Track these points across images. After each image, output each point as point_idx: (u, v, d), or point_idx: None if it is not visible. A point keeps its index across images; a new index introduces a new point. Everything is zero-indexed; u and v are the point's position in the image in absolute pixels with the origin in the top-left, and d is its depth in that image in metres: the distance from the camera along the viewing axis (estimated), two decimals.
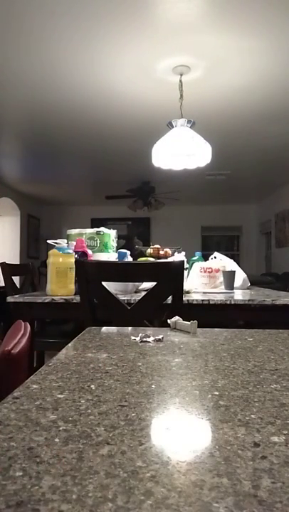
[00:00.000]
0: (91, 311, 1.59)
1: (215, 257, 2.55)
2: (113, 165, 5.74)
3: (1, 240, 7.53)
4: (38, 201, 8.48)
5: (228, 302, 1.77)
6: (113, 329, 0.97)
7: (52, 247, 1.96)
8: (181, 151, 2.73)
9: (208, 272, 2.38)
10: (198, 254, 2.71)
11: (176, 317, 0.97)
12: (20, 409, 0.42)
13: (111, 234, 2.38)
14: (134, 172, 6.07)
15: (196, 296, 1.88)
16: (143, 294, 1.68)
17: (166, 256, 2.75)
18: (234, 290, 2.27)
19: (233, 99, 3.54)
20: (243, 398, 0.46)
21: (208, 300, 1.78)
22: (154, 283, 1.57)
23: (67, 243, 2.06)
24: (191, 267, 2.52)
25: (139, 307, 1.54)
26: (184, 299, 1.66)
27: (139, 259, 2.59)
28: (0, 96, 3.48)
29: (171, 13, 2.35)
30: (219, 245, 8.91)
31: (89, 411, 0.42)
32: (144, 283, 2.05)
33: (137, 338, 0.82)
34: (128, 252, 2.33)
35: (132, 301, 1.68)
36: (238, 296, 1.94)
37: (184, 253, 2.70)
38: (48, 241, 2.12)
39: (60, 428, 0.37)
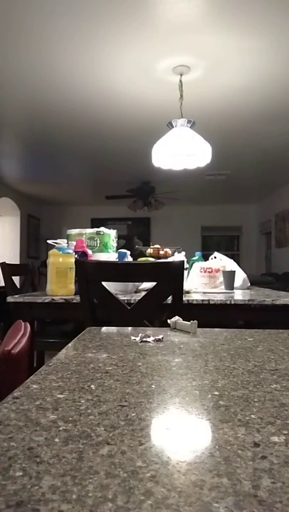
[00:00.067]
0: (91, 311, 1.59)
1: (215, 257, 2.55)
2: (113, 165, 5.74)
3: (1, 239, 7.53)
4: (38, 201, 8.49)
5: (228, 302, 1.77)
6: (113, 329, 0.97)
7: (52, 247, 1.96)
8: (181, 151, 2.73)
9: (208, 271, 2.38)
10: (198, 254, 2.71)
11: (176, 317, 0.97)
12: (20, 409, 0.42)
13: (111, 234, 2.38)
14: (134, 172, 6.07)
15: (196, 296, 1.88)
16: (143, 294, 1.68)
17: (166, 256, 2.75)
18: (234, 290, 2.27)
19: (233, 99, 3.54)
20: (243, 398, 0.46)
21: (208, 300, 1.78)
22: (154, 283, 1.57)
23: (67, 243, 2.06)
24: (191, 267, 2.52)
25: (139, 307, 1.54)
26: (184, 299, 1.66)
27: (139, 259, 2.59)
28: (0, 96, 3.48)
29: (171, 13, 2.35)
30: (219, 245, 8.91)
31: (89, 411, 0.42)
32: (144, 283, 2.05)
33: (137, 338, 0.82)
34: (128, 252, 2.33)
35: (132, 301, 1.68)
36: (238, 296, 1.94)
37: (184, 253, 2.70)
38: (48, 241, 2.12)
39: (60, 428, 0.37)
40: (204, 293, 2.10)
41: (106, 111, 3.82)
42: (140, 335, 0.83)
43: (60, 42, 2.65)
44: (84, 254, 2.07)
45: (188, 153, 2.73)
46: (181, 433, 0.37)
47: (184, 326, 0.94)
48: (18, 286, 2.75)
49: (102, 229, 2.33)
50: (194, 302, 1.78)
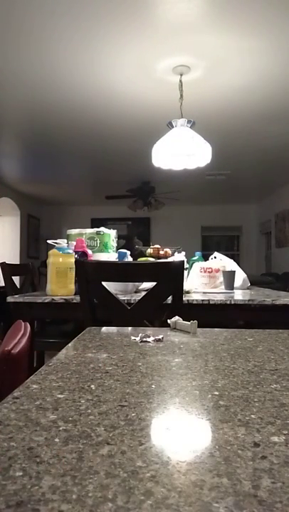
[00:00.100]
0: (91, 311, 1.59)
1: (215, 257, 2.55)
2: (113, 165, 5.74)
3: (1, 239, 7.53)
4: (38, 201, 8.49)
5: (228, 302, 1.77)
6: (113, 329, 0.97)
7: (52, 247, 1.96)
8: (181, 151, 2.73)
9: (208, 271, 2.38)
10: (198, 254, 2.71)
11: (176, 317, 0.97)
12: (20, 409, 0.42)
13: (111, 234, 2.38)
14: (134, 172, 6.07)
15: (196, 296, 1.88)
16: (143, 294, 1.68)
17: (166, 256, 2.75)
18: (234, 290, 2.27)
19: (233, 99, 3.54)
20: (243, 398, 0.46)
21: (208, 300, 1.78)
22: (154, 283, 1.57)
23: (67, 243, 2.06)
24: (191, 267, 2.52)
25: (139, 307, 1.54)
26: (184, 299, 1.66)
27: (139, 259, 2.59)
28: (0, 96, 3.48)
29: (171, 13, 2.35)
30: (219, 245, 8.91)
31: (89, 411, 0.42)
32: (144, 283, 2.05)
33: (137, 338, 0.82)
34: (128, 252, 2.33)
35: (132, 301, 1.68)
36: (238, 296, 1.94)
37: (184, 253, 2.70)
38: (48, 241, 2.12)
39: (60, 428, 0.37)
40: (204, 293, 2.10)
41: (106, 111, 3.82)
42: (140, 335, 0.83)
43: (60, 42, 2.65)
44: (84, 254, 2.07)
45: (188, 153, 2.73)
46: (181, 433, 0.37)
47: (184, 326, 0.94)
48: (18, 286, 2.75)
49: (102, 229, 2.33)
50: (194, 302, 1.78)
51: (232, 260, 2.49)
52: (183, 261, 1.58)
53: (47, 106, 3.70)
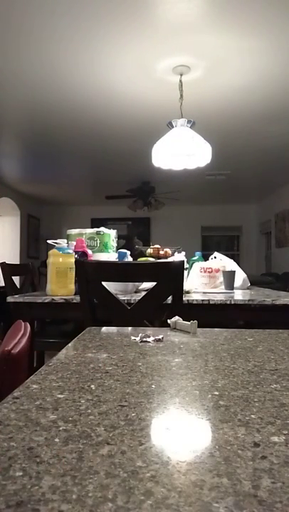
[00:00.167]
0: (91, 311, 1.59)
1: (215, 257, 2.55)
2: (113, 165, 5.74)
3: (1, 239, 7.53)
4: (38, 201, 8.49)
5: (228, 302, 1.77)
6: (113, 329, 0.97)
7: (52, 247, 1.96)
8: (181, 151, 2.73)
9: (208, 271, 2.38)
10: (198, 254, 2.71)
11: (176, 317, 0.97)
12: (20, 409, 0.42)
13: (111, 234, 2.38)
14: (134, 172, 6.07)
15: (196, 296, 1.88)
16: (143, 294, 1.68)
17: (166, 256, 2.75)
18: (234, 290, 2.27)
19: (233, 99, 3.54)
20: (243, 398, 0.46)
21: (208, 300, 1.78)
22: (154, 283, 1.57)
23: (67, 243, 2.06)
24: (191, 267, 2.52)
25: (139, 307, 1.54)
26: (184, 299, 1.66)
27: (139, 259, 2.59)
28: (0, 96, 3.48)
29: (171, 13, 2.35)
30: (219, 245, 8.91)
31: (89, 411, 0.42)
32: (144, 283, 2.05)
33: (137, 338, 0.82)
34: (128, 252, 2.33)
35: (132, 301, 1.68)
36: (238, 296, 1.94)
37: (184, 253, 2.70)
38: (48, 241, 2.12)
39: (60, 428, 0.37)
40: (204, 293, 2.10)
41: (106, 111, 3.82)
42: (140, 335, 0.83)
43: (60, 42, 2.65)
44: (84, 254, 2.07)
45: (188, 153, 2.73)
46: (181, 433, 0.37)
47: (184, 326, 0.94)
48: (18, 286, 2.75)
49: (102, 229, 2.33)
50: (194, 302, 1.78)
51: (232, 260, 2.49)
52: (183, 261, 1.58)
53: (47, 106, 3.70)
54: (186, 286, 1.95)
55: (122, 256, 2.29)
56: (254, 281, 3.55)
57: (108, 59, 2.87)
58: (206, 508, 0.25)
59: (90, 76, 3.12)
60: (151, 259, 2.57)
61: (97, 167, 5.94)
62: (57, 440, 0.35)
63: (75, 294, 1.90)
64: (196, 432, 0.38)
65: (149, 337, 0.82)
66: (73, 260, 1.90)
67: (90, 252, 2.14)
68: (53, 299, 1.82)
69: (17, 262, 7.33)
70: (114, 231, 2.45)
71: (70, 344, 0.77)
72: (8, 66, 2.96)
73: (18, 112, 3.85)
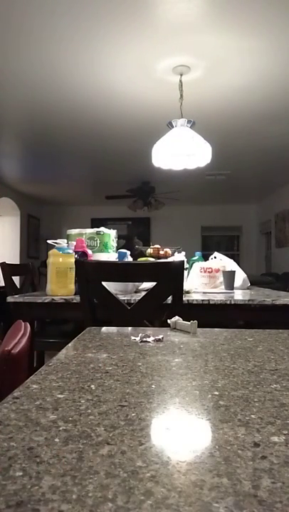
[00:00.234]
0: (91, 311, 1.59)
1: (215, 257, 2.55)
2: (113, 165, 5.74)
3: (1, 239, 7.53)
4: (38, 201, 8.49)
5: (228, 302, 1.77)
6: (113, 329, 0.97)
7: (52, 247, 1.96)
8: (181, 151, 2.73)
9: (208, 271, 2.38)
10: (198, 254, 2.71)
11: (176, 317, 0.97)
12: (20, 409, 0.42)
13: (111, 234, 2.38)
14: (134, 172, 6.07)
15: (196, 296, 1.88)
16: (143, 294, 1.68)
17: (166, 256, 2.75)
18: (234, 290, 2.27)
19: (233, 99, 3.54)
20: (243, 398, 0.46)
21: (208, 300, 1.78)
22: (154, 283, 1.57)
23: (67, 243, 2.06)
24: (191, 267, 2.52)
25: (139, 307, 1.54)
26: (184, 299, 1.66)
27: (139, 259, 2.59)
28: (0, 96, 3.48)
29: (171, 13, 2.35)
30: (219, 245, 8.91)
31: (89, 411, 0.42)
32: (144, 283, 2.05)
33: (137, 338, 0.82)
34: (128, 252, 2.33)
35: (132, 301, 1.68)
36: (238, 296, 1.94)
37: (184, 253, 2.70)
38: (48, 241, 2.12)
39: (60, 428, 0.37)
40: (204, 293, 2.10)
41: (106, 111, 3.82)
42: (140, 335, 0.83)
43: (60, 42, 2.65)
44: (84, 254, 2.07)
45: (188, 153, 2.73)
46: (181, 433, 0.37)
47: (184, 326, 0.94)
48: (18, 286, 2.75)
49: (102, 229, 2.33)
50: (194, 302, 1.78)
51: (232, 260, 2.49)
52: (183, 261, 1.58)
53: (47, 106, 3.70)
54: (186, 286, 1.95)
55: (122, 256, 2.29)
56: (254, 281, 3.55)
57: (108, 59, 2.87)
58: (206, 508, 0.25)
59: (90, 76, 3.12)
60: (151, 259, 2.57)
61: (97, 167, 5.94)
62: (57, 440, 0.35)
63: (75, 294, 1.90)
64: (196, 432, 0.38)
65: (149, 337, 0.82)
66: (73, 260, 1.90)
67: (90, 252, 2.14)
68: (53, 299, 1.82)
69: (17, 262, 7.33)
70: (114, 231, 2.45)
71: (70, 344, 0.77)
72: (8, 66, 2.96)
73: (18, 112, 3.85)
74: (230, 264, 2.43)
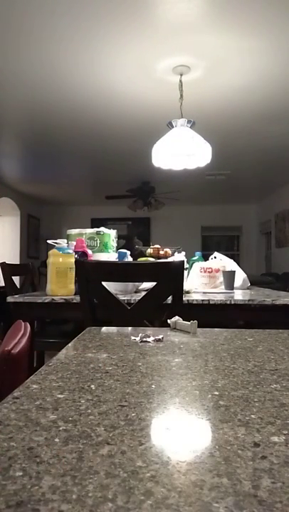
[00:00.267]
0: (91, 311, 1.59)
1: (215, 257, 2.55)
2: (113, 165, 5.74)
3: (1, 239, 7.53)
4: (38, 201, 8.49)
5: (228, 302, 1.77)
6: (113, 329, 0.97)
7: (52, 247, 1.96)
8: (181, 151, 2.73)
9: (208, 271, 2.38)
10: (198, 254, 2.71)
11: (176, 317, 0.97)
12: (20, 409, 0.42)
13: (111, 234, 2.38)
14: (134, 172, 6.07)
15: (196, 296, 1.88)
16: (143, 294, 1.68)
17: (166, 256, 2.75)
18: (234, 290, 2.27)
19: (233, 99, 3.54)
20: (243, 398, 0.46)
21: (208, 300, 1.78)
22: (154, 283, 1.57)
23: (67, 243, 2.06)
24: (191, 267, 2.52)
25: (139, 307, 1.54)
26: (184, 299, 1.66)
27: (139, 259, 2.59)
28: (0, 96, 3.48)
29: (171, 13, 2.35)
30: (219, 245, 8.91)
31: (89, 411, 0.42)
32: (144, 283, 2.05)
33: (137, 338, 0.82)
34: (128, 252, 2.33)
35: (132, 301, 1.68)
36: (238, 296, 1.94)
37: (184, 253, 2.70)
38: (48, 241, 2.12)
39: (60, 428, 0.37)
40: (204, 293, 2.10)
41: (106, 111, 3.82)
42: (140, 335, 0.83)
43: (60, 42, 2.65)
44: (84, 254, 2.07)
45: (188, 153, 2.73)
46: (181, 433, 0.37)
47: (184, 326, 0.94)
48: (18, 286, 2.75)
49: (102, 229, 2.33)
50: (194, 302, 1.78)
51: (232, 260, 2.49)
52: (183, 261, 1.58)
53: (47, 106, 3.70)
54: (186, 286, 1.95)
55: (122, 256, 2.29)
56: (254, 281, 3.55)
57: (108, 59, 2.87)
58: (206, 508, 0.25)
59: (90, 76, 3.12)
60: (151, 259, 2.57)
61: (97, 167, 5.94)
62: (57, 440, 0.35)
63: (75, 294, 1.90)
64: (196, 432, 0.38)
65: (149, 337, 0.82)
66: (73, 260, 1.90)
67: (90, 252, 2.14)
68: (53, 299, 1.82)
69: (17, 262, 7.33)
70: (114, 231, 2.45)
71: (70, 344, 0.77)
72: (8, 66, 2.96)
73: (18, 112, 3.85)
74: (230, 264, 2.43)
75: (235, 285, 2.29)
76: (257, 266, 8.62)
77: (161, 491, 0.27)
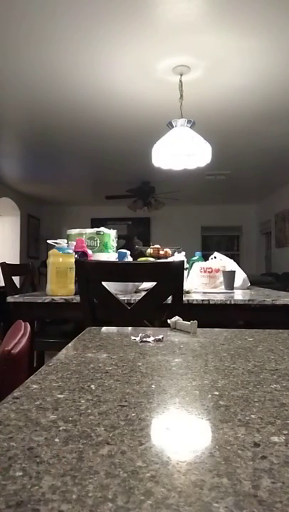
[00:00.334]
0: (91, 311, 1.59)
1: (215, 257, 2.55)
2: (113, 165, 5.74)
3: (1, 239, 7.53)
4: (38, 201, 8.49)
5: (228, 302, 1.77)
6: (113, 329, 0.97)
7: (52, 247, 1.96)
8: (181, 151, 2.73)
9: (208, 271, 2.38)
10: (198, 254, 2.71)
11: (176, 317, 0.97)
12: (20, 409, 0.42)
13: (111, 234, 2.38)
14: (134, 172, 6.07)
15: (196, 296, 1.88)
16: (143, 294, 1.68)
17: (166, 256, 2.75)
18: (234, 290, 2.27)
19: (233, 99, 3.54)
20: (243, 398, 0.46)
21: (208, 300, 1.78)
22: (154, 283, 1.57)
23: (67, 243, 2.06)
24: (191, 267, 2.52)
25: (139, 307, 1.54)
26: (184, 299, 1.66)
27: (139, 259, 2.59)
28: (0, 96, 3.48)
29: (171, 13, 2.35)
30: (219, 245, 8.91)
31: (89, 411, 0.42)
32: (144, 283, 2.05)
33: (137, 338, 0.82)
34: (128, 252, 2.33)
35: (132, 301, 1.68)
36: (238, 296, 1.94)
37: (184, 253, 2.70)
38: (48, 241, 2.12)
39: (60, 428, 0.37)
40: (204, 293, 2.10)
41: (106, 111, 3.82)
42: (140, 335, 0.83)
43: (60, 42, 2.65)
44: (84, 254, 2.07)
45: (188, 153, 2.73)
46: (181, 433, 0.37)
47: (184, 326, 0.94)
48: (18, 286, 2.75)
49: (102, 229, 2.33)
50: (194, 302, 1.78)
51: (232, 260, 2.49)
52: (183, 261, 1.58)
53: (47, 106, 3.70)
54: (186, 286, 1.95)
55: (122, 256, 2.29)
56: (254, 281, 3.55)
57: (108, 59, 2.87)
58: (206, 508, 0.25)
59: (90, 76, 3.12)
60: (151, 259, 2.57)
61: (97, 167, 5.94)
62: (57, 440, 0.35)
63: (75, 294, 1.90)
64: (196, 432, 0.38)
65: (149, 337, 0.82)
66: (73, 260, 1.90)
67: (90, 252, 2.14)
68: (53, 299, 1.82)
69: (17, 262, 7.33)
70: (114, 231, 2.45)
71: (70, 344, 0.77)
72: (8, 66, 2.96)
73: (18, 111, 3.85)
74: (230, 264, 2.43)
75: (235, 285, 2.29)
76: (257, 266, 8.62)
77: (161, 491, 0.27)
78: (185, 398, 0.46)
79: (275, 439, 0.35)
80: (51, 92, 3.41)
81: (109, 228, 2.42)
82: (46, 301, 1.82)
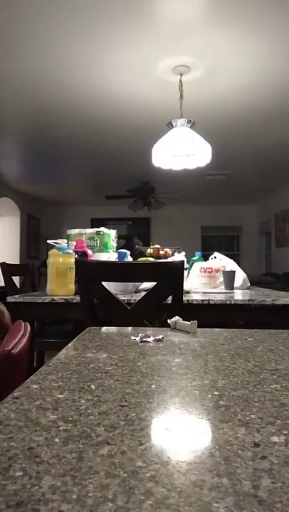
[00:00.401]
0: (91, 311, 1.59)
1: (215, 257, 2.55)
2: (113, 165, 5.74)
3: (1, 240, 7.53)
4: (38, 201, 8.48)
5: (228, 302, 1.77)
6: (113, 329, 0.97)
7: (52, 247, 1.96)
8: (181, 151, 2.73)
9: (208, 271, 2.38)
10: (198, 254, 2.71)
11: (176, 317, 0.97)
12: (20, 409, 0.42)
13: (111, 234, 2.38)
14: (134, 172, 6.07)
15: (196, 296, 1.88)
16: (143, 294, 1.68)
17: (166, 256, 2.75)
18: (234, 290, 2.27)
19: (233, 99, 3.54)
20: (243, 398, 0.46)
21: (208, 300, 1.78)
22: (154, 283, 1.57)
23: (67, 243, 2.06)
24: (191, 267, 2.52)
25: (139, 307, 1.54)
26: (184, 299, 1.66)
27: (139, 259, 2.59)
28: (1, 96, 3.48)
29: (171, 14, 2.35)
30: (219, 245, 8.91)
31: (89, 411, 0.42)
32: (144, 283, 2.05)
33: (137, 338, 0.82)
34: (128, 252, 2.33)
35: (132, 301, 1.68)
36: (238, 296, 1.94)
37: (184, 253, 2.70)
38: (48, 241, 2.12)
39: (60, 428, 0.37)
40: (204, 293, 2.10)
41: (106, 111, 3.82)
42: (140, 335, 0.83)
43: (61, 43, 2.65)
44: (84, 254, 2.07)
45: (188, 153, 2.73)
46: (181, 433, 0.37)
47: (184, 326, 0.94)
48: (18, 286, 2.75)
49: (102, 229, 2.33)
50: (194, 302, 1.78)
51: (232, 260, 2.49)
52: (183, 261, 1.58)
53: (47, 106, 3.70)
54: (186, 286, 1.95)
55: (122, 256, 2.29)
56: (254, 281, 3.55)
57: (108, 59, 2.87)
58: (206, 508, 0.25)
59: (90, 76, 3.12)
60: (151, 259, 2.56)
61: (97, 167, 5.94)
62: (57, 440, 0.35)
63: (75, 294, 1.90)
64: (196, 432, 0.38)
65: (149, 337, 0.82)
66: (73, 260, 1.90)
67: (90, 252, 2.14)
68: (53, 299, 1.82)
69: (17, 262, 7.33)
70: (114, 231, 2.45)
71: (70, 344, 0.77)
72: (9, 66, 2.96)
73: (18, 111, 3.85)
74: (230, 264, 2.43)
75: (235, 285, 2.29)
76: (257, 266, 8.63)
77: (161, 491, 0.27)
78: (185, 398, 0.46)
79: (275, 439, 0.35)
80: (51, 92, 3.41)
81: (109, 228, 2.42)
82: (46, 301, 1.82)
